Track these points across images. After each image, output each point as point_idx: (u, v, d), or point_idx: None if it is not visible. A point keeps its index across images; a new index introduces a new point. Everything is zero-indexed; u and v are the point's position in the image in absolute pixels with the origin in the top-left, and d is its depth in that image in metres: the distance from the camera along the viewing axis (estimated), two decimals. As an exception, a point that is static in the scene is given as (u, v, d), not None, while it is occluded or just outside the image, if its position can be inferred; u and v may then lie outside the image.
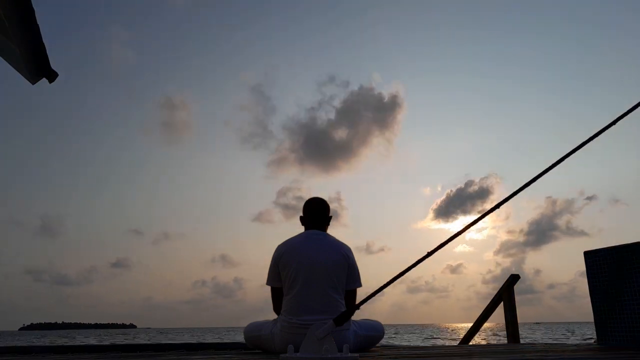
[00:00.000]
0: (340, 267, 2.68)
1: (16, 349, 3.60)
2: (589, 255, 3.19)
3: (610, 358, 1.98)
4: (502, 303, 5.06)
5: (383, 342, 3.50)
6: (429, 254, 2.15)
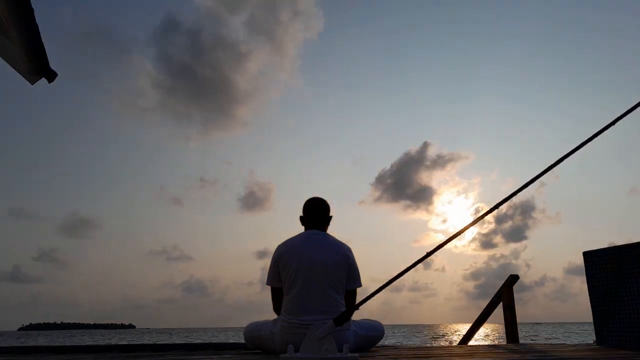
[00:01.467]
0: (340, 267, 2.68)
1: (16, 349, 3.59)
2: (588, 256, 3.19)
3: (609, 358, 1.98)
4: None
5: (384, 342, 3.50)
6: (429, 254, 2.15)
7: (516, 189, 2.26)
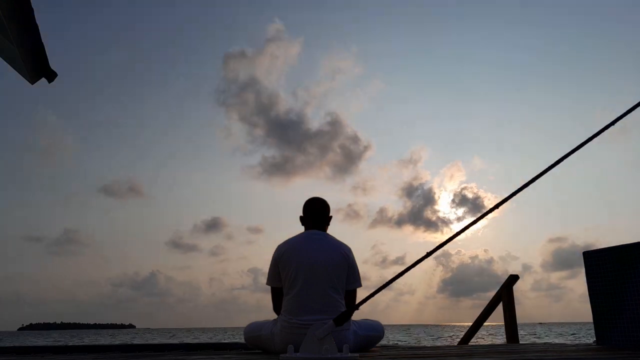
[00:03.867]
0: (341, 267, 2.68)
1: (16, 349, 3.60)
2: (588, 256, 3.19)
3: (609, 358, 1.98)
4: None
5: (384, 342, 3.50)
6: (429, 253, 2.15)
7: (514, 189, 2.26)
